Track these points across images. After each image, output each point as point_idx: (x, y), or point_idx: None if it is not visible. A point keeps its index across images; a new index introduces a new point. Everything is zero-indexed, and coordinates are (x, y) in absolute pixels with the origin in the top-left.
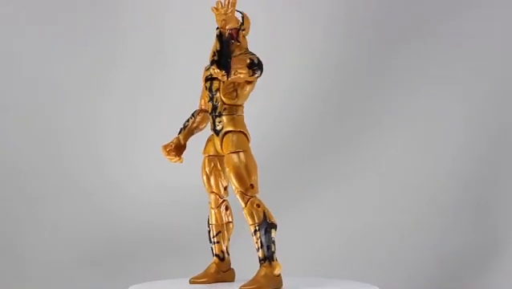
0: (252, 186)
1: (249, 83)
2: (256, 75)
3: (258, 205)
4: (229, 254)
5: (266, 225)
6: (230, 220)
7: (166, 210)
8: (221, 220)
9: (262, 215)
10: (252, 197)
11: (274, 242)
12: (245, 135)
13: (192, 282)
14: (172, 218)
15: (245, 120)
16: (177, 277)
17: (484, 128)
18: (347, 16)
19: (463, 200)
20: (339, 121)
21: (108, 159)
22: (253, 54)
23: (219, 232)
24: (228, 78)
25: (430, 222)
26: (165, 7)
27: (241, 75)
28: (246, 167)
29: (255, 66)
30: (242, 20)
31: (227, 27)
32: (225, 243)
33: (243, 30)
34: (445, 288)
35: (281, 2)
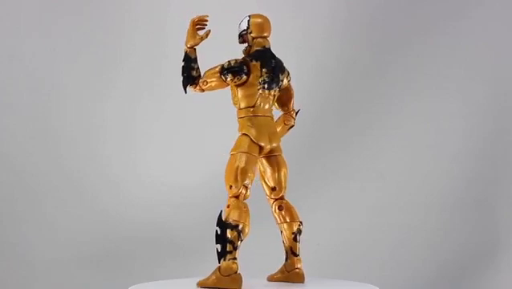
0: (230, 187)
1: (239, 86)
2: (229, 79)
3: (228, 206)
4: (296, 255)
5: (222, 225)
6: (288, 220)
7: (166, 210)
8: (277, 220)
9: (223, 214)
10: (231, 197)
11: (230, 242)
12: (247, 136)
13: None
14: (172, 218)
15: None
16: (177, 277)
17: (484, 128)
18: (348, 16)
19: (463, 200)
20: (339, 121)
21: (108, 159)
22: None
23: (281, 232)
24: (185, 91)
25: (430, 222)
26: (166, 7)
27: (217, 82)
28: (231, 168)
29: (224, 71)
30: (248, 23)
31: (188, 44)
32: (287, 243)
33: (250, 32)
34: (445, 288)
35: (281, 2)
